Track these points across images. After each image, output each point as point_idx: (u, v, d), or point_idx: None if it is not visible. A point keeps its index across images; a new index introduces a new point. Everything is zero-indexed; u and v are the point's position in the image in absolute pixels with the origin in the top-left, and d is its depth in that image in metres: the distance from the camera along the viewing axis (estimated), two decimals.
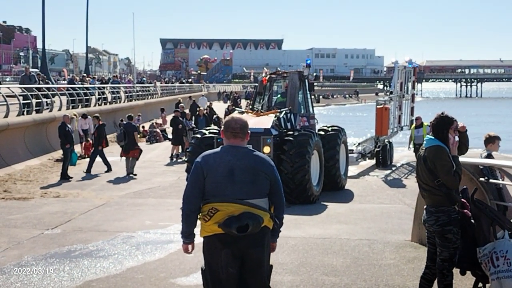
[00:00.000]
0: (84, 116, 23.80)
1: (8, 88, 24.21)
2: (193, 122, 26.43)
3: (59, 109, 25.52)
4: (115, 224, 11.67)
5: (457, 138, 6.42)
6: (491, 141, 8.53)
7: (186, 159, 15.34)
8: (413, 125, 21.78)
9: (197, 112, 27.21)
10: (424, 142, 6.47)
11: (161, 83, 65.36)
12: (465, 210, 6.44)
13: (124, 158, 19.10)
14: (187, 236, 5.24)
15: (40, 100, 23.98)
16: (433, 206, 6.34)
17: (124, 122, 20.16)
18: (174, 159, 22.88)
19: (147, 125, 33.14)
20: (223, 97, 74.50)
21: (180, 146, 23.85)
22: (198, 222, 5.19)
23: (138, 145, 19.51)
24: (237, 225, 4.91)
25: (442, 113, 6.44)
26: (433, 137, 6.36)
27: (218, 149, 5.23)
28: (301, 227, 11.26)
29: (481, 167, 7.64)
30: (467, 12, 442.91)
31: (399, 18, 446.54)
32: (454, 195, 6.27)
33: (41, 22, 39.23)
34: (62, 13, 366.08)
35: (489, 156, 8.17)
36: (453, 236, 6.28)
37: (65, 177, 17.86)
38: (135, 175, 18.74)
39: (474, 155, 8.43)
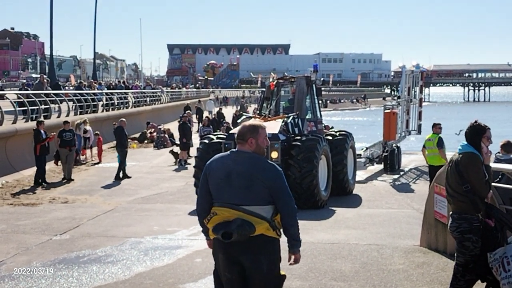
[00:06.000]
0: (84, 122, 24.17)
1: (16, 94, 24.31)
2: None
3: (67, 115, 25.61)
4: (123, 230, 11.68)
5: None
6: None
7: (194, 165, 15.34)
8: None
9: (202, 122, 27.11)
10: (459, 147, 6.44)
11: (171, 88, 65.65)
12: (488, 220, 6.38)
13: None
14: (206, 233, 5.32)
15: (48, 106, 24.08)
16: (457, 212, 6.32)
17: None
18: (181, 165, 22.84)
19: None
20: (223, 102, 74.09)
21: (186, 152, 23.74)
22: None
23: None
24: (222, 231, 4.91)
25: (475, 122, 6.42)
26: (467, 144, 6.36)
27: (227, 153, 5.24)
28: (309, 232, 11.24)
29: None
30: (474, 16, 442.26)
31: (406, 22, 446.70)
32: (479, 203, 6.24)
33: (49, 28, 39.28)
34: (69, 20, 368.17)
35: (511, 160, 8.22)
36: (471, 244, 6.27)
37: (121, 178, 18.80)
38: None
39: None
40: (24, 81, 50.88)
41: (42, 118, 20.45)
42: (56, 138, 18.77)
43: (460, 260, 6.35)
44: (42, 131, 17.97)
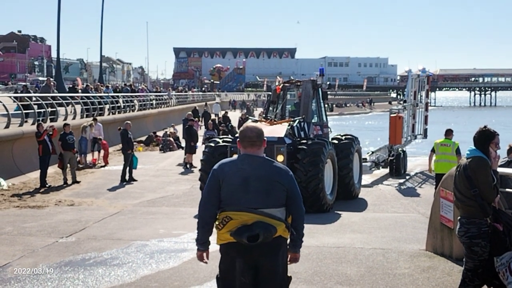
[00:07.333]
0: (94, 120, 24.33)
1: (24, 97, 24.40)
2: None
3: (73, 118, 25.69)
4: (129, 233, 11.70)
5: (498, 153, 6.44)
6: None
7: (199, 168, 15.35)
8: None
9: (207, 126, 27.10)
10: (467, 152, 6.47)
11: (176, 91, 65.98)
12: (497, 224, 6.37)
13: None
14: (202, 243, 5.23)
15: (54, 109, 24.17)
16: (465, 217, 6.32)
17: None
18: (187, 168, 22.85)
19: (160, 134, 33.22)
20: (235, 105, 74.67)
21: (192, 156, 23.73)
22: (214, 230, 5.18)
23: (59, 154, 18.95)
24: (247, 234, 4.89)
25: (485, 127, 6.47)
26: (476, 149, 6.39)
27: (235, 157, 5.24)
28: (315, 236, 11.24)
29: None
30: (480, 20, 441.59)
31: (412, 26, 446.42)
32: (487, 207, 6.24)
33: (56, 31, 39.41)
34: (76, 23, 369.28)
35: (510, 163, 8.21)
36: (479, 249, 6.27)
37: (126, 180, 19.06)
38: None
39: None
40: (28, 83, 50.85)
41: (48, 122, 20.54)
42: (57, 141, 18.77)
43: (469, 265, 6.34)
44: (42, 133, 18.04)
